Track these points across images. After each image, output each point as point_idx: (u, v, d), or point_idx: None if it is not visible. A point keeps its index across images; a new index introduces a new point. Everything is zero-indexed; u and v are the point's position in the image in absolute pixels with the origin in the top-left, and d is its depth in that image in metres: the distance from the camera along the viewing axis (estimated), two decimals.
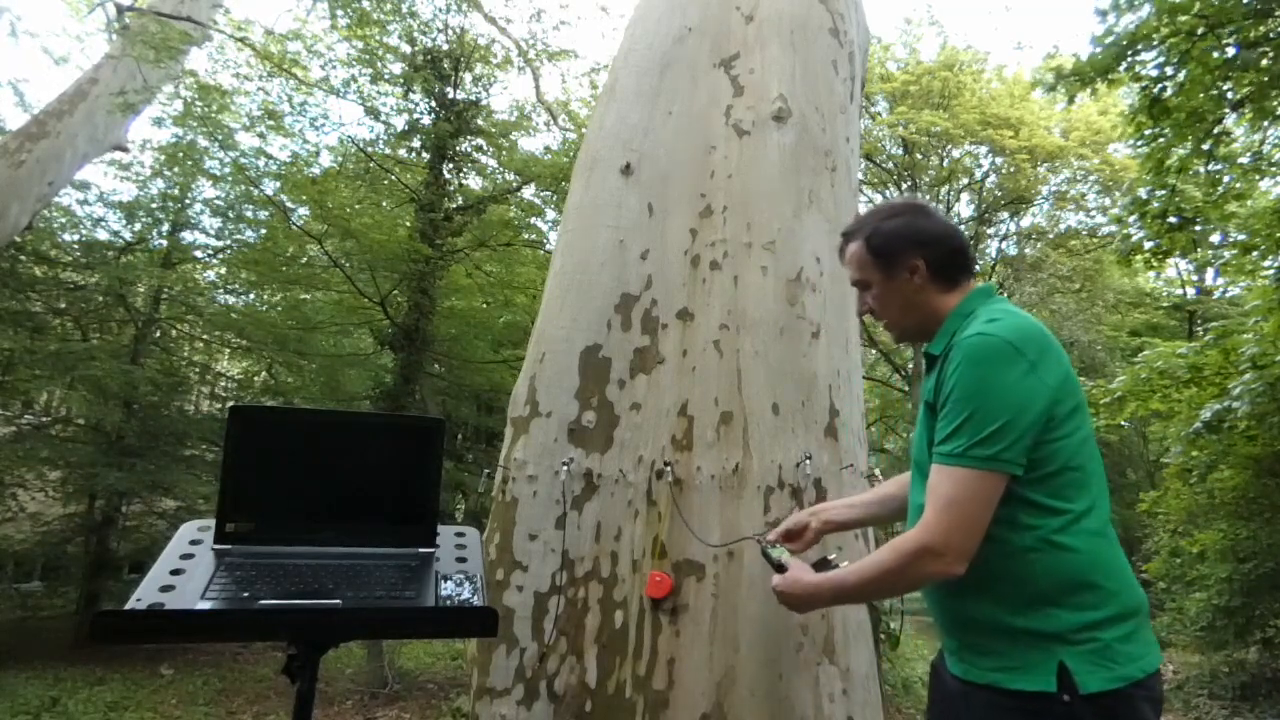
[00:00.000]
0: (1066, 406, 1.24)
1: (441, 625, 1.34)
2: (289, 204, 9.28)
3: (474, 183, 10.16)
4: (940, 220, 1.47)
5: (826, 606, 1.58)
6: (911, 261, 1.41)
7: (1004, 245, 18.22)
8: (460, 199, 9.53)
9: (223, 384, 12.77)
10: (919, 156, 17.33)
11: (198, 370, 11.93)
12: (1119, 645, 1.17)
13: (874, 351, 15.96)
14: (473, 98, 9.65)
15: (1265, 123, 5.88)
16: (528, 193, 10.04)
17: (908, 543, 1.24)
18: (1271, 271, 6.28)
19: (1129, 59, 5.67)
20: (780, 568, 1.54)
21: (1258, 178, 6.75)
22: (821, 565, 1.59)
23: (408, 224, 9.16)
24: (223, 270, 11.54)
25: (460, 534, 1.35)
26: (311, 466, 1.30)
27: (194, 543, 1.20)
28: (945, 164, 17.25)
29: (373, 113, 9.56)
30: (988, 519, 1.20)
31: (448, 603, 1.17)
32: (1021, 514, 1.21)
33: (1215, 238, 9.42)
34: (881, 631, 2.36)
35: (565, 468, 2.12)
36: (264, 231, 10.08)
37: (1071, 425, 1.24)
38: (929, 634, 8.67)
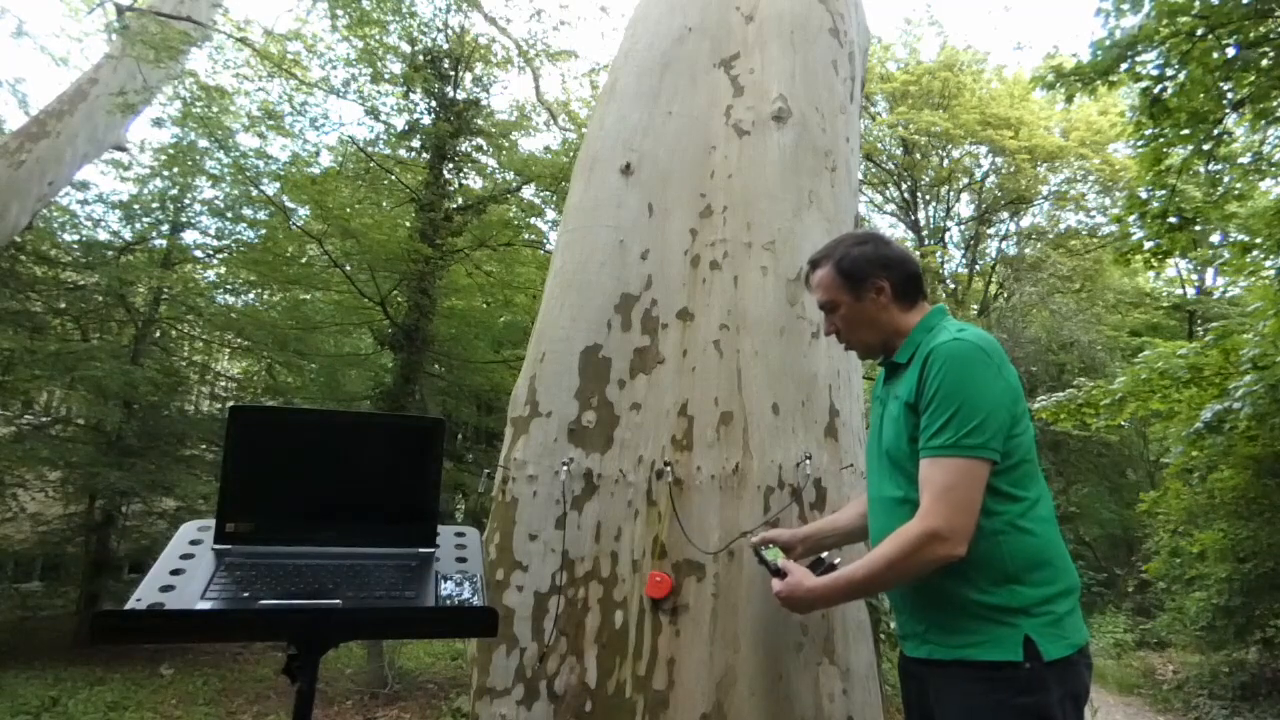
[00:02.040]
0: (1021, 408, 1.42)
1: (441, 625, 1.34)
2: (289, 204, 9.27)
3: (474, 183, 10.15)
4: (900, 248, 1.65)
5: (835, 605, 1.64)
6: (878, 283, 1.57)
7: (1004, 245, 18.23)
8: (460, 199, 9.52)
9: (223, 384, 12.77)
10: (919, 156, 17.34)
11: (198, 370, 11.92)
12: (1068, 618, 1.34)
13: None
14: (473, 98, 9.65)
15: (1265, 123, 5.87)
16: (528, 193, 10.04)
17: (912, 532, 1.34)
18: (1272, 271, 6.28)
19: (1129, 60, 5.67)
20: (778, 571, 1.56)
21: (1258, 178, 6.75)
22: (817, 564, 1.60)
23: (408, 224, 9.16)
24: (223, 270, 11.53)
25: (460, 534, 1.35)
26: (311, 466, 1.30)
27: (194, 543, 1.20)
28: (945, 164, 17.25)
29: (373, 113, 9.57)
30: (980, 501, 1.33)
31: (448, 603, 1.17)
32: (990, 501, 1.35)
33: (1215, 238, 9.42)
34: (881, 631, 2.37)
35: (565, 468, 2.11)
36: (264, 231, 10.07)
37: (1024, 424, 1.42)
38: None
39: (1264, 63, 5.25)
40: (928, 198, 18.33)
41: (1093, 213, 16.99)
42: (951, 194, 18.15)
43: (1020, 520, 1.36)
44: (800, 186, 2.46)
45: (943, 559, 1.31)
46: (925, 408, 1.40)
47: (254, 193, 9.43)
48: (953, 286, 17.54)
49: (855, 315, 1.59)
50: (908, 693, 1.52)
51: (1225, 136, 5.95)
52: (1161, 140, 5.91)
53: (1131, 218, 6.54)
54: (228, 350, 12.24)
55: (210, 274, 11.84)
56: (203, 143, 9.34)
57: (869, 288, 1.57)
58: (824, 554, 1.64)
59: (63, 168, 8.56)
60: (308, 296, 10.60)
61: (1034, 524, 1.37)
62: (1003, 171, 16.83)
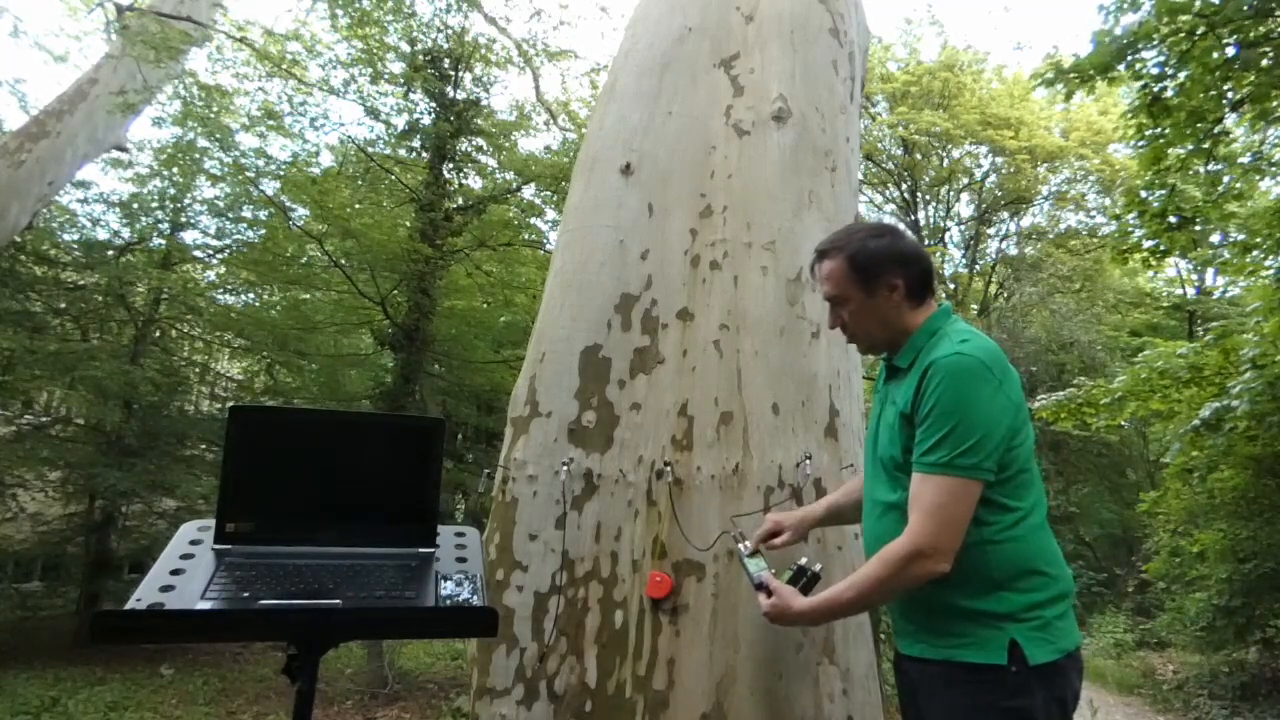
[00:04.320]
0: (1020, 419, 1.39)
1: (441, 625, 1.34)
2: (289, 204, 9.27)
3: (474, 183, 10.14)
4: (914, 242, 1.60)
5: (823, 624, 1.61)
6: (892, 280, 1.50)
7: (1004, 245, 18.24)
8: (460, 199, 9.52)
9: (223, 384, 12.78)
10: (919, 156, 17.34)
11: (198, 370, 11.93)
12: (1057, 622, 1.34)
13: None
14: (473, 98, 9.65)
15: (1265, 123, 5.87)
16: (528, 193, 10.03)
17: (898, 550, 1.34)
18: (1271, 271, 6.27)
19: (1129, 58, 5.66)
20: (760, 586, 1.56)
21: (1258, 178, 6.75)
22: (799, 575, 1.58)
23: (408, 224, 9.15)
24: (222, 270, 11.54)
25: (460, 534, 1.35)
26: (311, 466, 1.30)
27: (194, 543, 1.20)
28: (945, 164, 17.25)
29: (373, 113, 9.55)
30: (969, 519, 1.32)
31: (448, 603, 1.17)
32: (983, 512, 1.35)
33: (1215, 238, 9.41)
34: (881, 631, 2.36)
35: (565, 468, 2.11)
36: (264, 231, 10.07)
37: (1023, 434, 1.39)
38: None
39: (1264, 63, 5.25)
40: (928, 198, 18.34)
41: (1093, 213, 17.01)
42: (951, 194, 18.16)
43: (1011, 530, 1.36)
44: (800, 186, 2.46)
45: (929, 575, 1.32)
46: (921, 421, 1.37)
47: (254, 193, 9.43)
48: (953, 286, 17.55)
49: (865, 311, 1.53)
50: (902, 689, 1.53)
51: (1225, 136, 5.95)
52: (1161, 139, 5.91)
53: (1130, 216, 6.54)
54: (228, 350, 12.24)
55: (210, 274, 11.85)
56: (202, 142, 9.34)
57: (882, 285, 1.50)
58: (803, 561, 1.61)
59: (63, 168, 8.56)
60: (308, 296, 10.60)
61: (1025, 532, 1.37)
62: (1003, 171, 16.84)
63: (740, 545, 1.70)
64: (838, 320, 1.59)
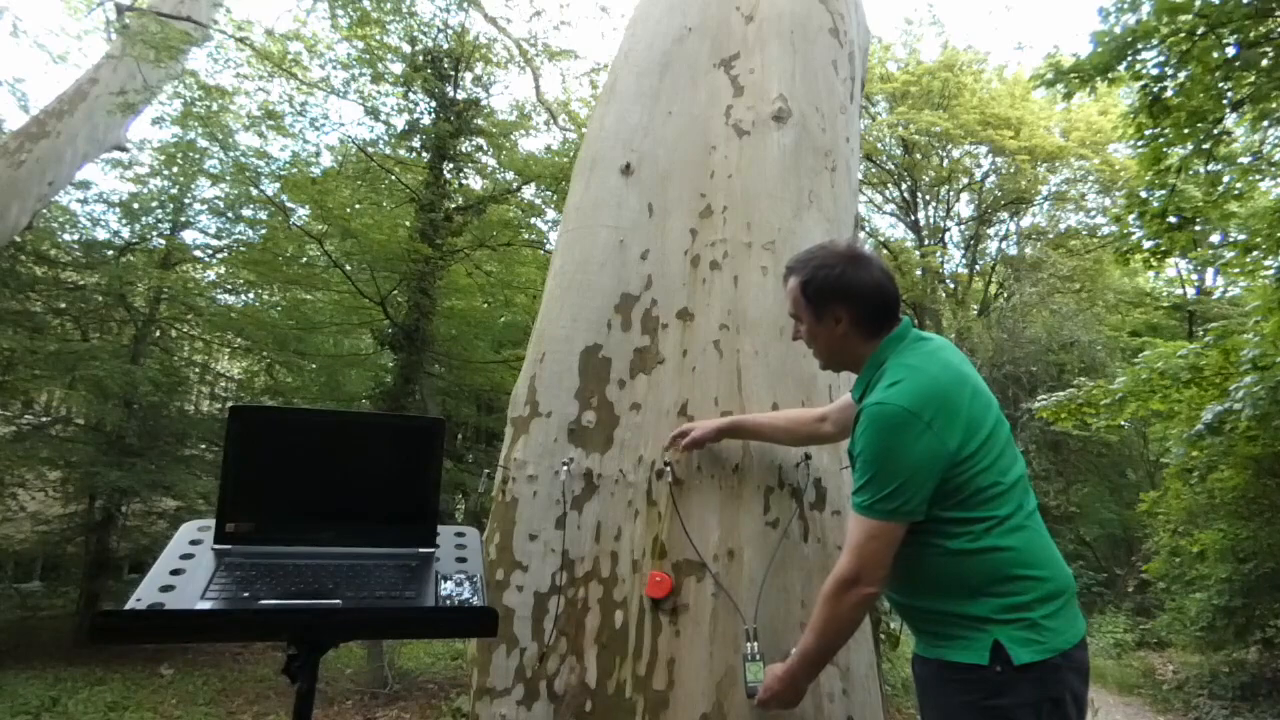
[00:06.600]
0: (975, 443, 1.39)
1: (441, 625, 1.35)
2: (289, 204, 9.27)
3: (474, 183, 10.15)
4: (871, 274, 1.54)
5: (809, 682, 1.62)
6: (837, 313, 1.55)
7: (1004, 245, 18.25)
8: (460, 199, 9.52)
9: (223, 384, 12.78)
10: (919, 156, 17.34)
11: (198, 370, 11.93)
12: (1046, 622, 1.34)
13: None
14: (473, 97, 9.65)
15: (1265, 123, 5.87)
16: (528, 193, 10.03)
17: (827, 587, 1.44)
18: (1271, 271, 6.27)
19: (1129, 58, 5.66)
20: (752, 694, 1.64)
21: (1258, 178, 6.75)
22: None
23: (408, 224, 9.15)
24: (223, 270, 11.54)
25: (460, 534, 1.35)
26: (311, 466, 1.30)
27: (194, 543, 1.20)
28: (945, 164, 17.26)
29: (373, 113, 9.56)
30: (893, 553, 1.39)
31: (448, 603, 1.17)
32: (950, 526, 1.39)
33: (1215, 238, 9.41)
34: (881, 631, 2.37)
35: (565, 468, 2.11)
36: (264, 231, 10.08)
37: (982, 454, 1.39)
38: None
39: (1264, 63, 5.25)
40: (928, 198, 18.34)
41: (1093, 213, 17.02)
42: (951, 194, 18.16)
43: (985, 539, 1.38)
44: (800, 186, 2.46)
45: (862, 600, 1.40)
46: (854, 462, 1.46)
47: (254, 193, 9.43)
48: (953, 286, 17.56)
49: (814, 335, 1.61)
50: (914, 674, 1.58)
51: (1225, 136, 5.94)
52: (1161, 140, 5.91)
53: (1131, 217, 6.54)
54: (228, 350, 12.25)
55: (210, 274, 11.85)
56: (203, 142, 9.34)
57: (828, 315, 1.55)
58: (793, 651, 1.61)
59: (63, 168, 8.56)
60: (308, 296, 10.60)
61: (1003, 539, 1.38)
62: (1003, 171, 16.85)
63: (747, 646, 1.77)
64: (798, 334, 1.67)
